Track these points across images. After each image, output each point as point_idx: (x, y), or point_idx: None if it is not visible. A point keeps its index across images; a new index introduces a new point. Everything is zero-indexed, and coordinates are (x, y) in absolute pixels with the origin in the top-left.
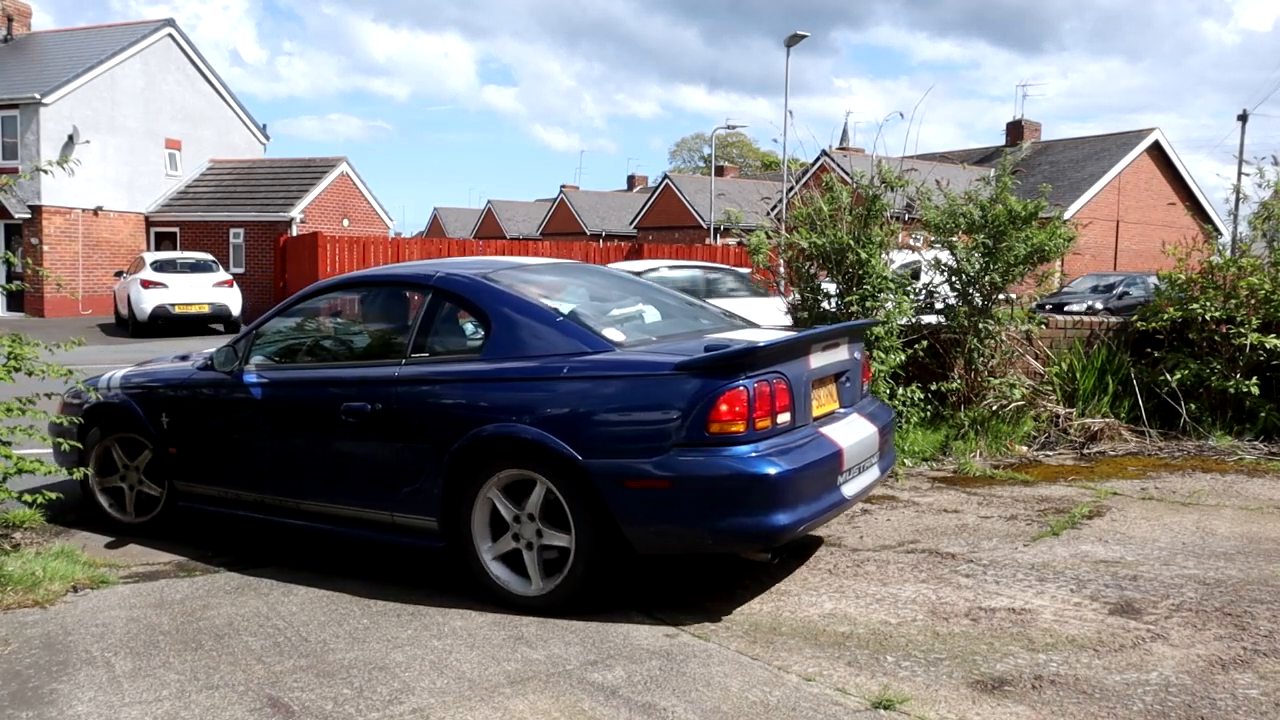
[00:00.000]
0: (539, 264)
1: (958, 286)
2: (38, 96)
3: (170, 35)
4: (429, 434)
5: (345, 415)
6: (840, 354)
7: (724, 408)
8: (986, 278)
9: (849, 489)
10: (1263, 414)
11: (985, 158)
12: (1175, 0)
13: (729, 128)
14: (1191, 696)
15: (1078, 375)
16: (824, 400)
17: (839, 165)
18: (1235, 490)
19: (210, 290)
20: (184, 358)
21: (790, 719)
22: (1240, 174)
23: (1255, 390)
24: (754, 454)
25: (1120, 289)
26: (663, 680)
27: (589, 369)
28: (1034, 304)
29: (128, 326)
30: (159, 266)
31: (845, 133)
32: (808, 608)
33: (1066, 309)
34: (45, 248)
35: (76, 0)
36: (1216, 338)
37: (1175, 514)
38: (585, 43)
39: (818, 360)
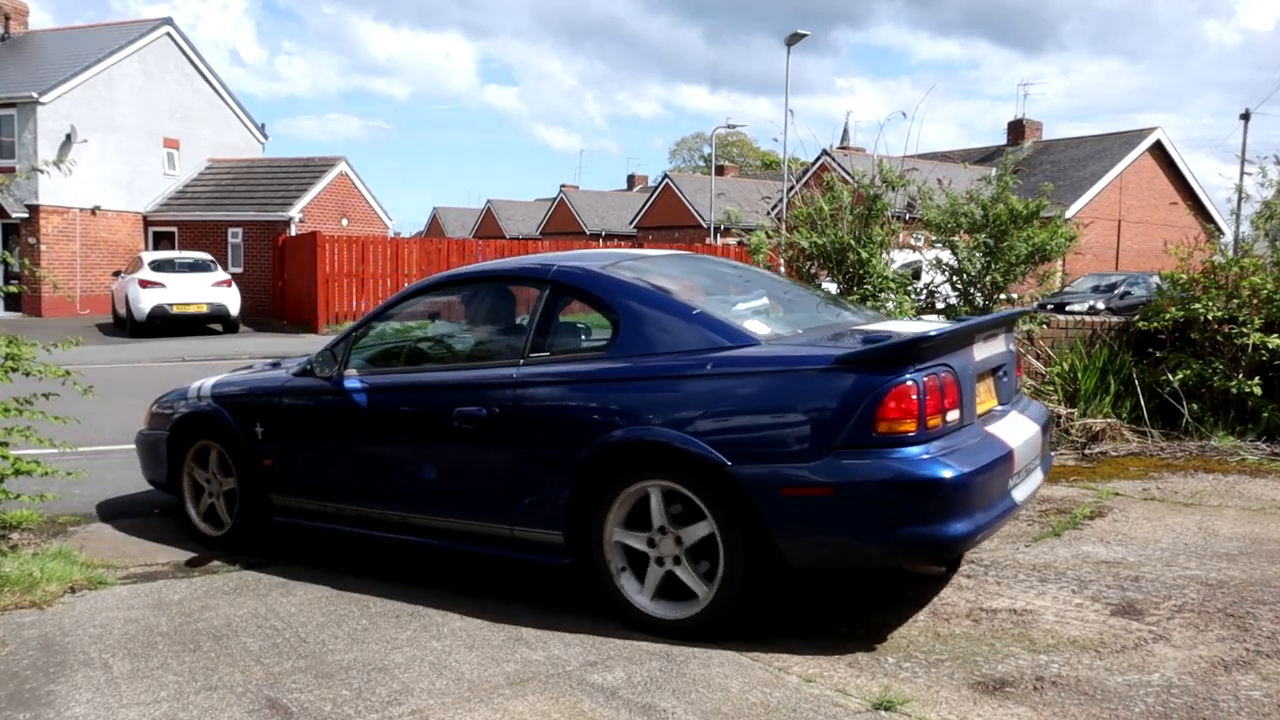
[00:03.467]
0: (658, 255)
1: (959, 286)
2: (35, 95)
3: (169, 34)
4: (553, 440)
5: (458, 421)
6: (998, 346)
7: (892, 405)
8: (988, 277)
9: (1019, 493)
10: (1265, 414)
11: (986, 157)
12: (1176, 0)
13: (729, 127)
14: (1194, 698)
15: (1079, 375)
16: (984, 396)
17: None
18: (1238, 491)
19: (209, 290)
20: (276, 364)
21: None
22: (1243, 173)
23: (1258, 390)
24: (926, 456)
25: (1122, 289)
26: (663, 681)
27: (736, 365)
28: (1035, 304)
29: (126, 326)
30: (157, 266)
31: (846, 132)
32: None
33: (1068, 309)
34: (43, 247)
35: None
36: (1219, 338)
37: (1177, 515)
38: (587, 43)
39: (980, 352)
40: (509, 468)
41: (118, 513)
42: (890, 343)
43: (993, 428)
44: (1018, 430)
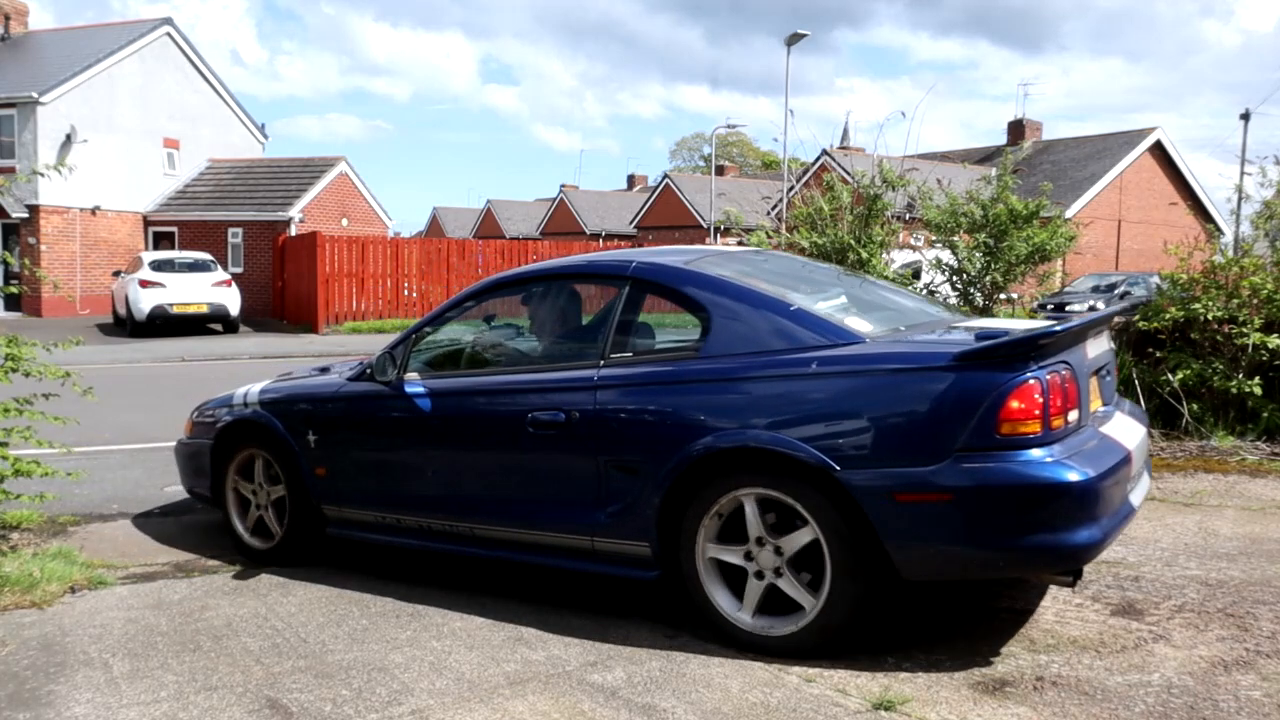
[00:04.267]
0: (739, 251)
1: (959, 286)
2: (35, 95)
3: (168, 34)
4: (640, 445)
5: (532, 427)
6: (1103, 344)
7: (1015, 404)
8: (988, 277)
9: (1135, 498)
10: (1265, 414)
11: (986, 157)
12: (1176, 0)
13: (729, 127)
14: (1194, 698)
15: None
16: (1093, 396)
17: (840, 165)
18: (1238, 491)
19: (208, 290)
20: (325, 369)
21: None
22: (1242, 173)
23: (1258, 390)
24: (1051, 458)
25: (1122, 288)
26: (663, 681)
27: (843, 363)
28: (1035, 304)
29: (126, 326)
30: (157, 266)
31: (846, 132)
32: None
33: (1068, 309)
34: (43, 247)
35: None
36: (1219, 338)
37: (1177, 514)
38: (588, 43)
39: (1092, 350)
40: (590, 476)
41: (118, 513)
42: (1012, 338)
43: (1106, 429)
44: (1129, 431)
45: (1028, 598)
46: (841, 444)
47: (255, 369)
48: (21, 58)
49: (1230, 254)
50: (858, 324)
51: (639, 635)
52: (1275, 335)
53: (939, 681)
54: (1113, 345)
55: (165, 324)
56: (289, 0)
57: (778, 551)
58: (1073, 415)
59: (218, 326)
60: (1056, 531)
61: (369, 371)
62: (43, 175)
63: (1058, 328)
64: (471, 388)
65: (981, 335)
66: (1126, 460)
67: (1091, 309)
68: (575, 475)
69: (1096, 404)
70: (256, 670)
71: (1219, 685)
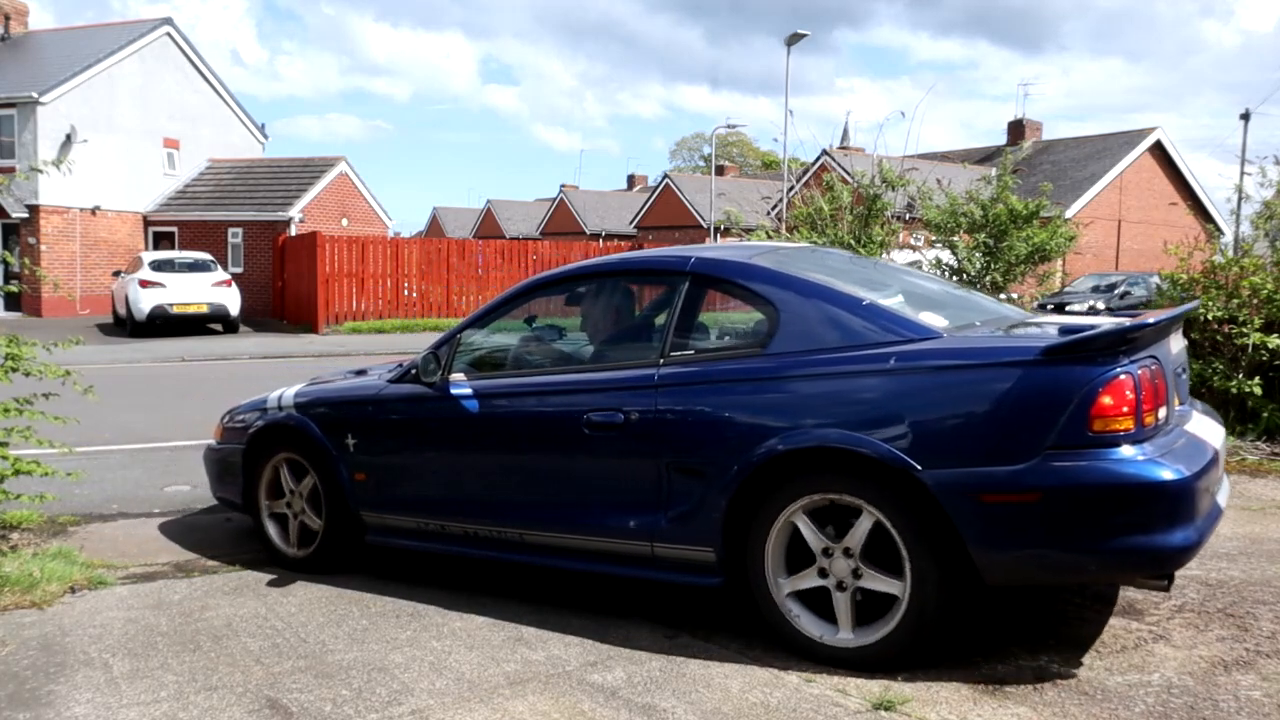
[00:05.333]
0: (794, 248)
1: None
2: (35, 95)
3: (168, 34)
4: (706, 446)
5: (588, 428)
6: (1180, 341)
7: (1108, 400)
8: (988, 277)
9: (1221, 498)
10: (1265, 414)
11: (986, 157)
12: (1176, 0)
13: (729, 127)
14: (1194, 698)
15: None
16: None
17: (840, 165)
18: (1238, 491)
19: (208, 290)
20: (361, 372)
21: None
22: (1242, 173)
23: (1258, 390)
24: (1144, 457)
25: (1122, 288)
26: (663, 681)
27: (924, 359)
28: (1035, 304)
29: (126, 326)
30: (157, 266)
31: (846, 132)
32: None
33: (1068, 309)
34: (43, 247)
35: None
36: (1219, 338)
37: None
38: (588, 43)
39: (1174, 345)
40: (650, 478)
41: (118, 513)
42: (1103, 331)
43: (1189, 427)
44: (1211, 430)
45: (1027, 598)
46: (923, 443)
47: (255, 369)
48: (21, 58)
49: (1230, 254)
50: (932, 319)
51: (639, 635)
52: (1275, 335)
53: (939, 681)
54: (1185, 343)
55: (165, 324)
56: (289, 0)
57: (847, 553)
58: (1162, 412)
59: (218, 326)
60: (1151, 533)
61: (414, 372)
62: (43, 172)
63: (1149, 320)
64: (522, 388)
65: (1065, 330)
66: (1216, 460)
67: (1091, 309)
68: (634, 478)
69: (1176, 402)
70: (256, 670)
71: (1219, 685)
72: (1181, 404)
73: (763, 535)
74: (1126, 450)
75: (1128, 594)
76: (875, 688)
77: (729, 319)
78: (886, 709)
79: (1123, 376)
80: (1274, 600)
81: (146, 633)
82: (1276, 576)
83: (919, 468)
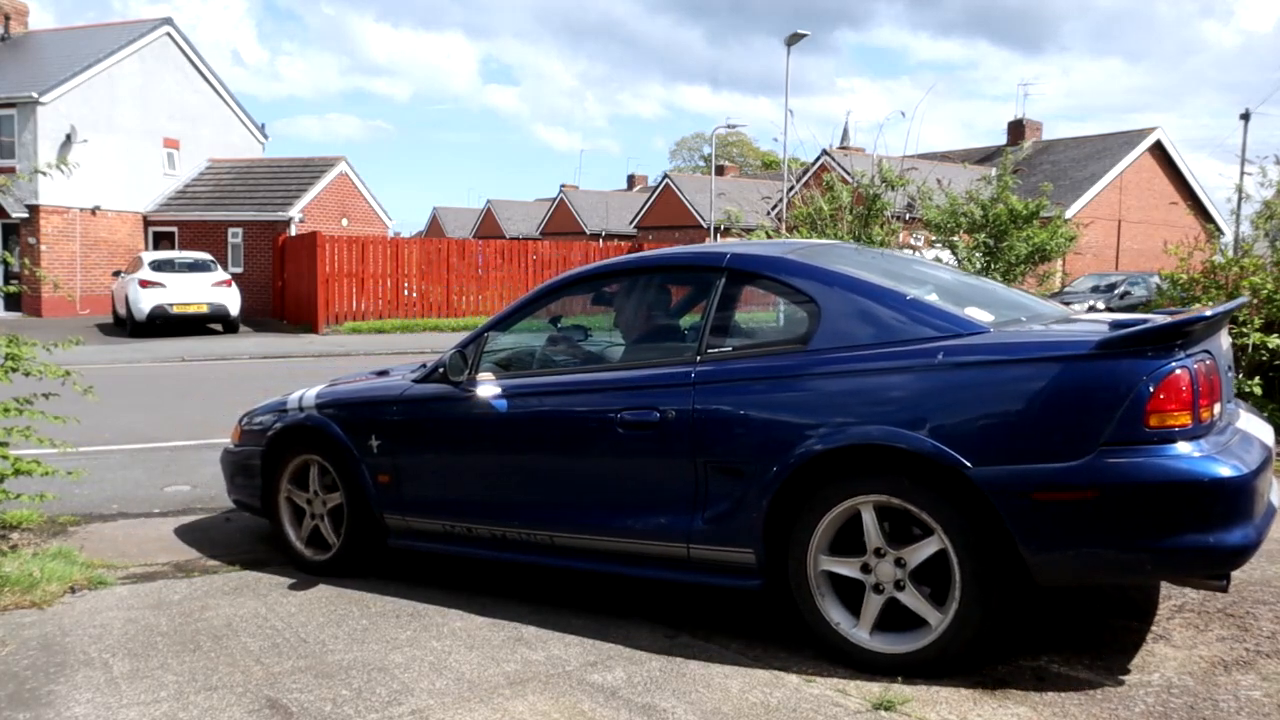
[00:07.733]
0: (827, 244)
1: None
2: (35, 95)
3: (168, 34)
4: (746, 445)
5: (621, 427)
6: (1228, 338)
7: (1164, 395)
8: (988, 277)
9: (1274, 497)
10: (1265, 414)
11: (986, 157)
12: (1176, 0)
13: (729, 127)
14: (1194, 698)
15: None
16: None
17: (839, 165)
18: None
19: (208, 290)
20: (383, 372)
21: None
22: (1242, 173)
23: (1258, 390)
24: (1200, 453)
25: (1122, 288)
26: (663, 681)
27: (972, 354)
28: None
29: (126, 326)
30: (157, 266)
31: (846, 132)
32: None
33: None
34: (43, 247)
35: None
36: None
37: None
38: (588, 43)
39: (1224, 341)
40: (687, 478)
41: (118, 513)
42: (1158, 325)
43: (1240, 424)
44: (1260, 428)
45: (1027, 599)
46: (973, 440)
47: (255, 369)
48: (21, 58)
49: (1230, 254)
50: (978, 314)
51: (639, 635)
52: (1275, 335)
53: (939, 681)
54: (1230, 340)
55: (165, 324)
56: (289, 0)
57: (899, 563)
58: (1217, 408)
59: (218, 326)
60: (1210, 532)
61: (440, 371)
62: (44, 174)
63: (1205, 313)
64: (552, 387)
65: (1117, 324)
66: (1270, 457)
67: (1091, 309)
68: (670, 478)
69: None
70: (256, 670)
71: (1219, 685)
72: (1228, 402)
73: (805, 538)
74: (1183, 446)
75: (1128, 594)
76: (875, 688)
77: (764, 316)
78: (886, 709)
79: (1179, 371)
80: (1274, 600)
81: (146, 633)
82: (1276, 576)
83: (969, 465)
